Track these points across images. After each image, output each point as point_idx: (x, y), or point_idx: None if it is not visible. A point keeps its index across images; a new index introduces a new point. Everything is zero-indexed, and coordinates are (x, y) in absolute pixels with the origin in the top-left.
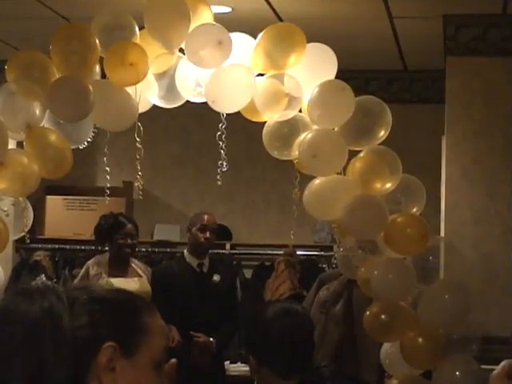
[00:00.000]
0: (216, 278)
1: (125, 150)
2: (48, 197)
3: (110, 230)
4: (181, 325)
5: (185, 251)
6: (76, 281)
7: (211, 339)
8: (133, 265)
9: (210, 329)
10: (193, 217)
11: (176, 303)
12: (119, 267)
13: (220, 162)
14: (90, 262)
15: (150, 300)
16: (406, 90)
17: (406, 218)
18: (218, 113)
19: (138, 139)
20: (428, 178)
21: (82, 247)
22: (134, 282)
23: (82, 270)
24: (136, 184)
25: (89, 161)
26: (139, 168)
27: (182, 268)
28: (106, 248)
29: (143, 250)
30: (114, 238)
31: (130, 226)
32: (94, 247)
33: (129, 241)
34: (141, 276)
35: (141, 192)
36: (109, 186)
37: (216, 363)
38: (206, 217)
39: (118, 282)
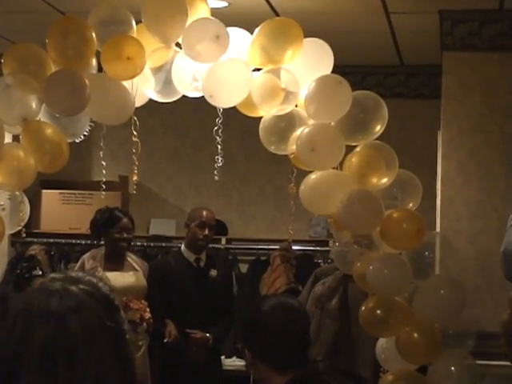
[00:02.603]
0: (213, 272)
1: (121, 144)
2: (44, 191)
3: (105, 224)
4: (178, 319)
5: (182, 246)
6: None
7: (208, 335)
8: (129, 259)
9: (206, 323)
10: (191, 212)
11: (173, 298)
12: (115, 261)
13: (216, 157)
14: (85, 256)
15: (146, 295)
16: (403, 85)
17: (402, 213)
18: (215, 107)
19: (134, 133)
20: (424, 173)
21: (78, 241)
22: (129, 276)
23: (78, 264)
24: (134, 178)
25: (85, 155)
26: (136, 162)
27: (178, 263)
28: (102, 242)
29: (139, 244)
30: (110, 232)
31: (125, 220)
32: (89, 241)
33: (124, 235)
34: (137, 270)
35: (135, 186)
36: (105, 180)
37: (213, 358)
38: (205, 213)
39: (114, 276)
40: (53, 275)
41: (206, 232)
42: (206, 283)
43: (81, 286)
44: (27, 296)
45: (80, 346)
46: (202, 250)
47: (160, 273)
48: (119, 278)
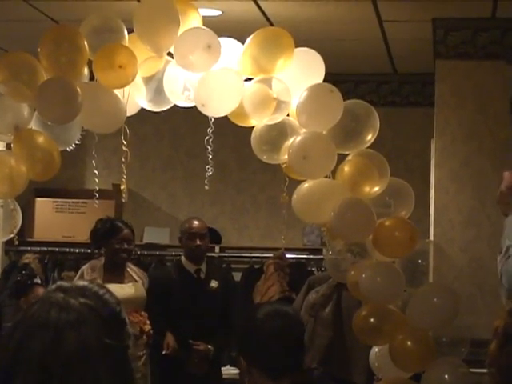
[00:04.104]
0: (214, 284)
1: (114, 152)
2: (37, 199)
3: (106, 234)
4: (177, 331)
5: (182, 256)
6: None
7: (209, 346)
8: (128, 269)
9: (206, 334)
10: (181, 225)
11: (173, 309)
12: (114, 272)
13: (207, 166)
14: (84, 267)
15: (146, 305)
16: (396, 93)
17: (395, 221)
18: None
19: (124, 142)
20: (417, 181)
21: (71, 250)
22: (129, 288)
23: (77, 276)
24: (122, 187)
25: (78, 163)
26: (125, 171)
27: (179, 274)
28: (95, 251)
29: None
30: (110, 242)
31: (126, 230)
32: (83, 250)
33: (125, 246)
34: (136, 281)
35: (124, 195)
36: (98, 188)
37: (213, 369)
38: (193, 224)
39: (113, 288)
40: (59, 283)
41: (198, 242)
42: (206, 294)
43: (82, 300)
44: (30, 305)
45: (75, 363)
46: (201, 260)
47: (160, 283)
48: (119, 290)
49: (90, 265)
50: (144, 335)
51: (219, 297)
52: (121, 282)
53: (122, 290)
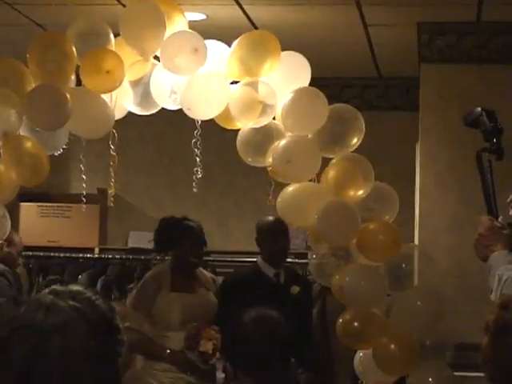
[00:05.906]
0: (294, 289)
1: (99, 156)
2: (22, 204)
3: (178, 235)
4: None
5: (258, 259)
6: (132, 299)
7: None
8: (200, 276)
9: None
10: (259, 224)
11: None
12: (184, 279)
13: (195, 168)
14: (149, 276)
15: (217, 312)
16: (381, 97)
17: (378, 225)
18: (193, 119)
19: (112, 147)
20: (402, 185)
21: (56, 254)
22: (200, 297)
23: (140, 287)
24: (110, 191)
25: (63, 168)
26: (113, 175)
27: (256, 278)
28: (85, 255)
29: (117, 257)
30: (181, 245)
31: (198, 231)
32: (68, 254)
33: (198, 249)
34: (208, 289)
35: (112, 199)
36: (85, 193)
37: None
38: (275, 222)
39: (182, 298)
40: (53, 287)
41: (281, 243)
42: (286, 301)
43: (71, 303)
44: (19, 307)
45: (58, 370)
46: (282, 262)
47: (234, 289)
48: (188, 300)
49: (154, 272)
50: (217, 353)
51: (301, 304)
52: (191, 290)
53: (192, 300)
